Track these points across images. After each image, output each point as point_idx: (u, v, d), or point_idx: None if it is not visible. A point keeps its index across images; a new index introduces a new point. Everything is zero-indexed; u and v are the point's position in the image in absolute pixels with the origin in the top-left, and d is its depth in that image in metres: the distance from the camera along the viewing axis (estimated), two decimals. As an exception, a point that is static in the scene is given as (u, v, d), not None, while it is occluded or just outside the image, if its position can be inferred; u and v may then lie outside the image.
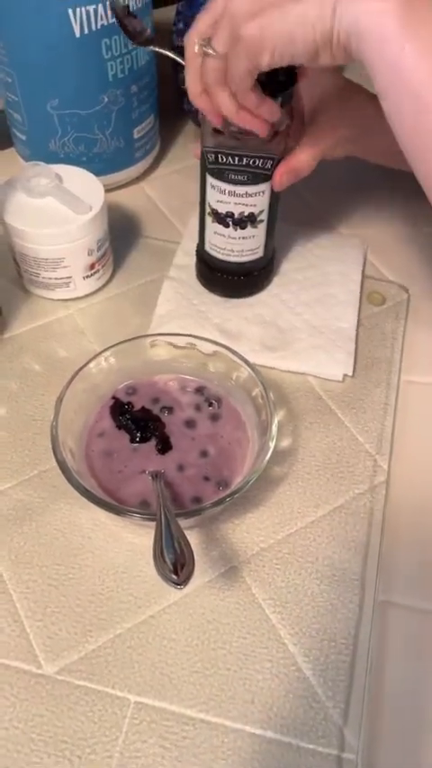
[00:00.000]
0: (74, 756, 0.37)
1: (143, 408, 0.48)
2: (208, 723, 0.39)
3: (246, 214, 0.52)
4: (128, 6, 0.55)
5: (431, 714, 0.39)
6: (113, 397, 0.48)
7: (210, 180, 0.51)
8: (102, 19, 0.56)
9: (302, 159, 0.51)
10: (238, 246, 0.55)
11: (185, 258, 0.62)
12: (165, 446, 0.46)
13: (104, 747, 0.38)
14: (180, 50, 0.47)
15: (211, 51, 0.41)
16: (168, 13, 0.71)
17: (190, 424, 0.48)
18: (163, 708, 0.39)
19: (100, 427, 0.47)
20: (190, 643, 0.41)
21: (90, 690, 0.40)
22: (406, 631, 0.42)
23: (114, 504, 0.42)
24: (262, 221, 0.53)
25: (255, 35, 0.38)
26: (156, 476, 0.44)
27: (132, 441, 0.46)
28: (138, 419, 0.47)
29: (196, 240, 0.59)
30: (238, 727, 0.39)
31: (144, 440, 0.46)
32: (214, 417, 0.48)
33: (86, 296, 0.59)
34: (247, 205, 0.51)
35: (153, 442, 0.47)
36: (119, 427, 0.47)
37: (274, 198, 0.52)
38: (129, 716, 0.39)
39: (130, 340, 0.49)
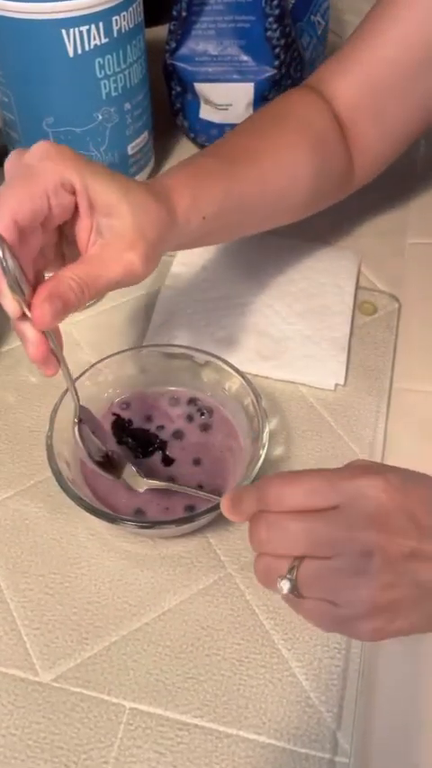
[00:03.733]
0: (70, 762, 0.38)
1: (141, 429, 0.49)
2: (202, 728, 0.39)
3: None
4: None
5: (423, 718, 0.40)
6: (114, 414, 0.49)
7: None
8: (95, 39, 0.57)
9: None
10: None
11: (182, 268, 0.63)
12: (166, 461, 0.47)
13: (100, 753, 0.38)
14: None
15: (284, 589, 0.33)
16: (161, 31, 0.72)
17: (183, 434, 0.49)
18: (158, 714, 0.40)
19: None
20: (184, 649, 0.42)
21: (86, 696, 0.40)
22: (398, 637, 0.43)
23: (109, 513, 0.43)
24: None
25: (367, 637, 0.33)
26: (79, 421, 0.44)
27: (136, 457, 0.47)
28: (137, 437, 0.48)
29: (191, 252, 0.60)
30: (232, 732, 0.39)
31: (146, 456, 0.47)
32: (207, 427, 0.49)
33: (82, 309, 0.60)
34: None
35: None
36: (120, 443, 0.48)
37: None
38: (124, 722, 0.39)
39: (124, 351, 0.50)
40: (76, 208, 0.38)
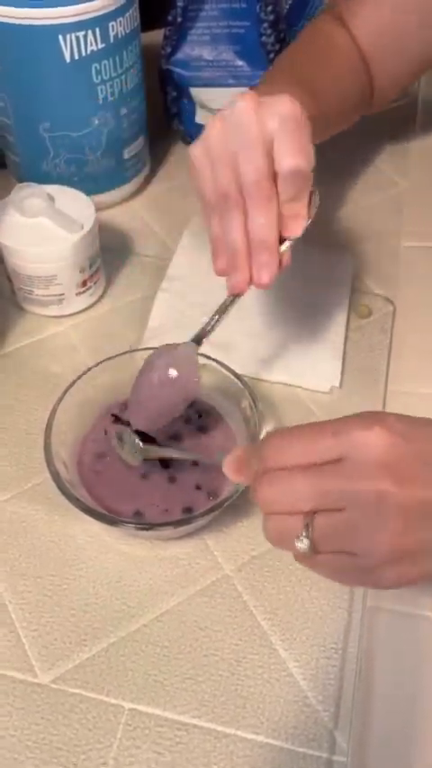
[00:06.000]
0: (69, 763, 0.38)
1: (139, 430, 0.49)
2: (201, 728, 0.39)
3: None
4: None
5: (420, 716, 0.40)
6: (113, 415, 0.49)
7: None
8: (91, 44, 0.57)
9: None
10: None
11: (178, 270, 0.63)
12: (163, 462, 0.47)
13: (99, 754, 0.38)
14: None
15: (304, 547, 0.33)
16: (156, 36, 0.73)
17: (180, 435, 0.49)
18: (156, 714, 0.40)
19: (92, 440, 0.48)
20: (182, 650, 0.42)
21: (85, 698, 0.40)
22: (394, 636, 0.43)
23: (107, 515, 0.43)
24: None
25: (390, 585, 0.33)
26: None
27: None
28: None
29: (188, 254, 0.60)
30: (230, 732, 0.39)
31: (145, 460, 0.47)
32: (204, 429, 0.49)
33: (79, 312, 0.60)
34: None
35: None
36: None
37: None
38: (123, 722, 0.39)
39: (120, 354, 0.50)
40: None
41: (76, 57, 0.57)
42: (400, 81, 0.63)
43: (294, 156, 0.41)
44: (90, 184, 0.65)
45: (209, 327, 0.46)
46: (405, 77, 0.62)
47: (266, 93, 0.43)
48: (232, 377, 0.48)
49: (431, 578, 0.33)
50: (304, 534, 0.32)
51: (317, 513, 0.32)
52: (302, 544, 0.32)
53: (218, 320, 0.45)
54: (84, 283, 0.58)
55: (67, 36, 0.56)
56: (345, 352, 0.58)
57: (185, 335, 0.58)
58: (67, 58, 0.57)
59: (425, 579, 0.32)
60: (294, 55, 0.58)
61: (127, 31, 0.60)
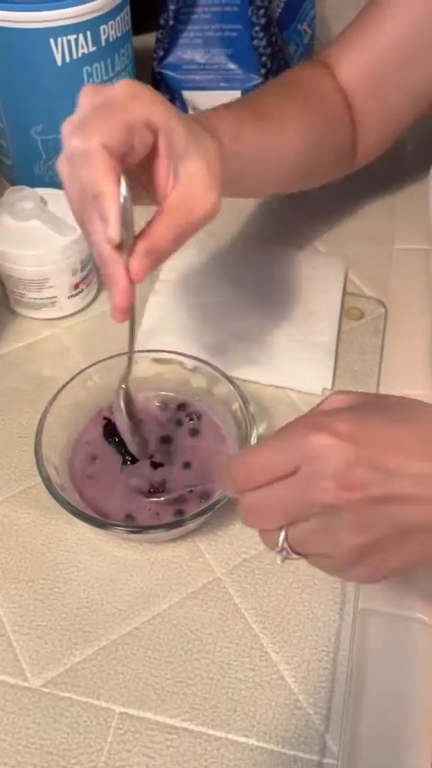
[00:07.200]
0: (59, 767, 0.38)
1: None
2: (191, 732, 0.39)
3: None
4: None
5: (411, 719, 0.40)
6: (105, 418, 0.49)
7: None
8: (83, 48, 0.57)
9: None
10: None
11: (170, 274, 0.63)
12: (155, 464, 0.47)
13: (89, 758, 0.38)
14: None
15: (280, 557, 0.35)
16: (148, 40, 0.73)
17: (171, 438, 0.49)
18: (147, 718, 0.40)
19: (84, 443, 0.48)
20: (174, 654, 0.42)
21: (75, 701, 0.40)
22: (386, 638, 0.43)
23: (99, 519, 0.43)
24: None
25: (364, 580, 0.35)
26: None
27: (124, 463, 0.47)
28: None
29: (180, 257, 0.60)
30: (221, 736, 0.39)
31: (135, 461, 0.47)
32: (195, 432, 0.49)
33: (72, 315, 0.60)
34: None
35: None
36: (109, 441, 0.48)
37: None
38: (114, 726, 0.39)
39: (112, 357, 0.50)
40: (153, 148, 0.38)
41: (68, 60, 0.58)
42: (388, 129, 0.60)
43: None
44: (82, 187, 0.65)
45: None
46: (392, 125, 0.59)
47: (198, 116, 0.42)
48: (224, 379, 0.48)
49: (404, 572, 0.34)
50: (279, 547, 0.34)
51: (290, 525, 0.34)
52: (280, 555, 0.35)
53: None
54: (76, 286, 0.58)
55: (59, 39, 0.56)
56: (337, 355, 0.58)
57: (177, 339, 0.58)
58: (59, 62, 0.57)
59: (397, 573, 0.34)
60: (265, 87, 0.56)
61: (118, 35, 0.60)
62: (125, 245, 0.37)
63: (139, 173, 0.39)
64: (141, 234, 0.38)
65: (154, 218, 0.39)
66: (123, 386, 0.43)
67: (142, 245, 0.37)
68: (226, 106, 0.49)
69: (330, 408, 0.35)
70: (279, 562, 0.35)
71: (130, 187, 0.36)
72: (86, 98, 0.38)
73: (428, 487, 0.32)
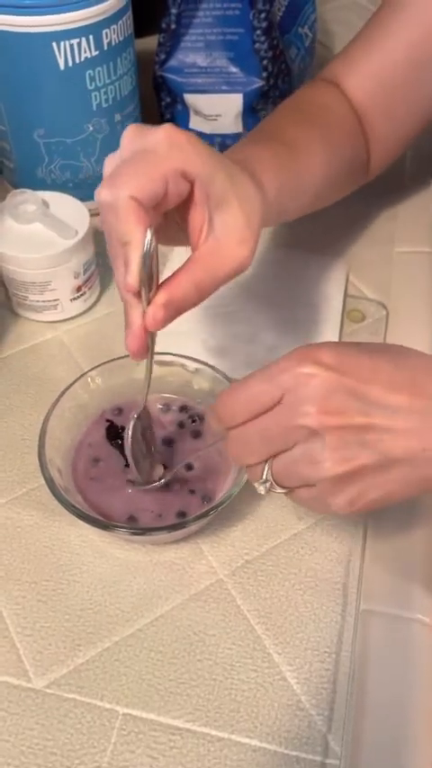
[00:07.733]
0: (63, 768, 0.38)
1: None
2: (194, 733, 0.39)
3: None
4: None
5: (413, 720, 0.40)
6: (108, 420, 0.50)
7: None
8: (85, 52, 0.58)
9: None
10: None
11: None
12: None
13: (93, 759, 0.38)
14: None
15: (263, 490, 0.37)
16: (150, 43, 0.73)
17: (173, 440, 0.49)
18: (150, 719, 0.40)
19: (87, 445, 0.49)
20: (177, 655, 0.42)
21: (79, 702, 0.40)
22: (388, 639, 0.43)
23: (102, 520, 0.44)
24: None
25: (344, 509, 0.35)
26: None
27: (126, 465, 0.47)
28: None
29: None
30: (224, 737, 0.39)
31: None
32: (198, 434, 0.49)
33: (74, 317, 0.60)
34: None
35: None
36: (112, 444, 0.48)
37: None
38: (117, 727, 0.40)
39: (115, 359, 0.50)
40: (190, 195, 0.38)
41: (70, 64, 0.58)
42: (399, 139, 0.60)
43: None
44: (85, 190, 0.65)
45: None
46: (403, 135, 0.60)
47: (235, 157, 0.42)
48: (226, 381, 0.49)
49: (387, 504, 0.35)
50: (263, 479, 0.35)
51: (274, 457, 0.35)
52: (262, 487, 0.36)
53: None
54: (78, 289, 0.58)
55: (61, 43, 0.56)
56: (338, 357, 0.58)
57: (179, 342, 0.58)
58: (62, 66, 0.58)
59: (378, 505, 0.35)
60: (279, 114, 0.55)
61: (121, 39, 0.60)
62: (146, 292, 0.37)
63: (179, 217, 0.39)
64: (164, 283, 0.38)
65: (180, 267, 0.38)
66: (135, 415, 0.43)
67: (161, 295, 0.37)
68: (257, 142, 0.48)
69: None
70: (262, 492, 0.36)
71: (168, 228, 0.38)
72: (127, 139, 0.38)
73: (409, 419, 0.33)
